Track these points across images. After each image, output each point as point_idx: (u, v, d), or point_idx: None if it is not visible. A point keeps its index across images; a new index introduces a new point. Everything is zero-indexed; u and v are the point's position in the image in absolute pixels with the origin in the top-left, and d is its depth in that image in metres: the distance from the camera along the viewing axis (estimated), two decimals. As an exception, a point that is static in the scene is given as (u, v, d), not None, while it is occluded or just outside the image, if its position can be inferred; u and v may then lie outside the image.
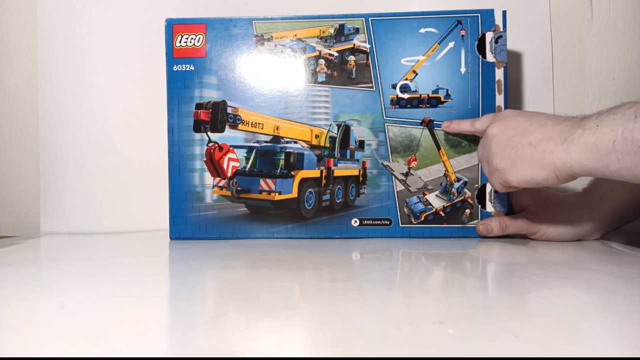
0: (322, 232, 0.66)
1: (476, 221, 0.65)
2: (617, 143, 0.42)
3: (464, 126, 0.62)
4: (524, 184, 0.52)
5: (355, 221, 0.66)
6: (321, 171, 0.67)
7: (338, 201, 0.67)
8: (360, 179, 0.66)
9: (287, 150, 0.66)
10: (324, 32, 0.66)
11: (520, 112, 0.54)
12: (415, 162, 0.65)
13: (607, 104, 0.79)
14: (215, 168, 0.65)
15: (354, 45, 0.65)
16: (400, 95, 0.65)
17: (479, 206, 0.65)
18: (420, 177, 0.66)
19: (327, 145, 0.66)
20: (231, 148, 0.66)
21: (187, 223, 0.66)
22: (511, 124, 0.53)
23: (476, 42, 0.64)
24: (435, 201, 0.66)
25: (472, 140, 0.65)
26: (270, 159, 0.66)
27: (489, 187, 0.65)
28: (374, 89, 0.65)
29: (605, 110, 0.45)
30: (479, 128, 0.59)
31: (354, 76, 0.65)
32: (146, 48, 0.77)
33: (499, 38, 0.64)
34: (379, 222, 0.66)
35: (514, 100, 0.77)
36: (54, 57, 0.79)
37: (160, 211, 0.72)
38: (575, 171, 0.47)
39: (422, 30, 0.65)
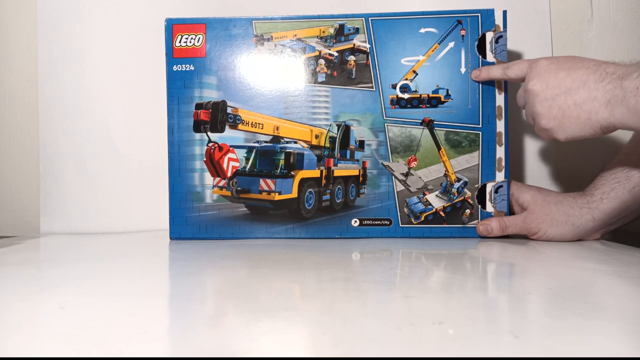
0: (322, 232, 0.66)
1: (476, 221, 0.65)
2: None
3: (495, 73, 0.62)
4: (571, 140, 0.54)
5: (355, 221, 0.66)
6: (321, 171, 0.67)
7: (338, 201, 0.67)
8: (360, 179, 0.66)
9: (287, 150, 0.66)
10: (323, 32, 0.66)
11: (558, 64, 0.54)
12: (416, 162, 0.65)
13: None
14: (215, 168, 0.65)
15: (354, 45, 0.65)
16: (400, 95, 0.65)
17: (479, 206, 0.65)
18: (420, 177, 0.66)
19: (327, 145, 0.66)
20: (231, 148, 0.66)
21: (187, 223, 0.66)
22: (552, 80, 0.53)
23: (476, 42, 0.64)
24: (436, 201, 0.66)
25: (473, 141, 0.65)
26: (270, 159, 0.66)
27: (489, 188, 0.65)
28: (374, 89, 0.65)
29: None
30: (512, 76, 0.59)
31: (354, 76, 0.65)
32: (146, 48, 0.77)
33: (499, 38, 0.64)
34: (379, 222, 0.66)
35: (515, 100, 0.77)
36: (54, 57, 0.79)
37: (160, 211, 0.72)
38: (619, 128, 0.50)
39: (422, 30, 0.65)
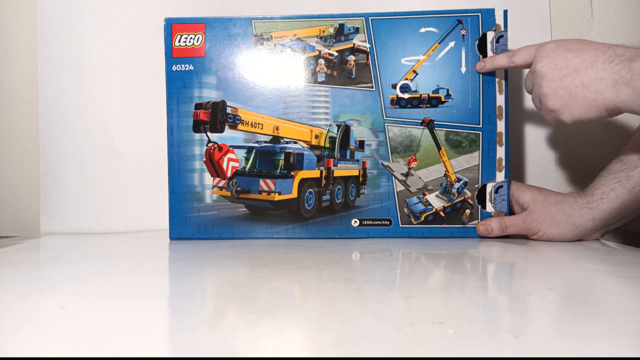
0: (322, 232, 0.66)
1: (476, 221, 0.65)
2: None
3: (501, 62, 0.61)
4: (577, 122, 0.54)
5: (355, 221, 0.66)
6: (321, 171, 0.67)
7: (338, 201, 0.67)
8: (360, 179, 0.66)
9: (287, 151, 0.66)
10: (323, 31, 0.66)
11: (567, 46, 0.54)
12: (416, 163, 0.65)
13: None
14: (215, 168, 0.65)
15: (354, 44, 0.65)
16: (401, 95, 0.65)
17: (479, 206, 0.65)
18: (420, 178, 0.66)
19: (327, 145, 0.66)
20: (231, 148, 0.66)
21: (187, 223, 0.66)
22: (560, 61, 0.53)
23: (477, 42, 0.64)
24: (436, 201, 0.66)
25: (473, 141, 0.65)
26: (270, 159, 0.66)
27: (489, 188, 0.65)
28: (374, 89, 0.65)
29: None
30: (520, 62, 0.59)
31: (353, 76, 0.65)
32: (146, 48, 0.77)
33: (500, 37, 0.64)
34: (378, 222, 0.66)
35: (515, 100, 0.77)
36: (54, 57, 0.79)
37: (160, 211, 0.72)
38: (624, 110, 0.50)
39: (423, 30, 0.65)
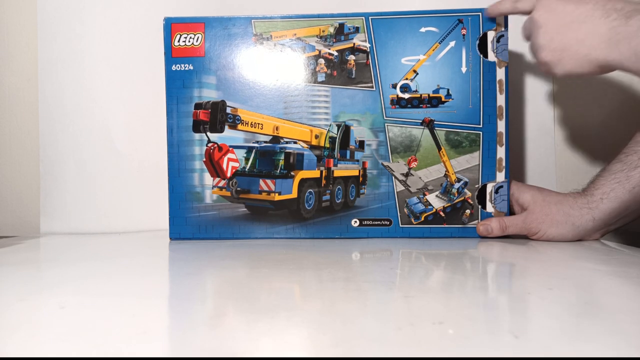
0: (322, 232, 0.66)
1: (476, 221, 0.65)
2: None
3: (505, 7, 0.61)
4: (569, 76, 0.54)
5: (355, 221, 0.66)
6: (321, 171, 0.67)
7: (338, 201, 0.67)
8: (360, 179, 0.66)
9: (287, 151, 0.66)
10: (323, 31, 0.66)
11: None
12: (416, 163, 0.65)
13: (607, 103, 0.79)
14: (215, 168, 0.65)
15: (354, 44, 0.65)
16: (401, 95, 0.65)
17: (479, 206, 0.65)
18: (420, 178, 0.66)
19: (327, 145, 0.66)
20: (230, 148, 0.66)
21: (187, 223, 0.66)
22: (559, 12, 0.53)
23: (477, 42, 0.64)
24: (436, 201, 0.66)
25: (473, 141, 0.65)
26: (270, 159, 0.66)
27: (489, 188, 0.65)
28: (374, 89, 0.65)
29: None
30: (522, 8, 0.58)
31: (353, 76, 0.65)
32: (146, 48, 0.77)
33: (501, 37, 0.64)
34: (378, 222, 0.66)
35: (515, 100, 0.77)
36: (54, 57, 0.79)
37: (160, 211, 0.72)
38: (616, 68, 0.50)
39: (423, 30, 0.65)
